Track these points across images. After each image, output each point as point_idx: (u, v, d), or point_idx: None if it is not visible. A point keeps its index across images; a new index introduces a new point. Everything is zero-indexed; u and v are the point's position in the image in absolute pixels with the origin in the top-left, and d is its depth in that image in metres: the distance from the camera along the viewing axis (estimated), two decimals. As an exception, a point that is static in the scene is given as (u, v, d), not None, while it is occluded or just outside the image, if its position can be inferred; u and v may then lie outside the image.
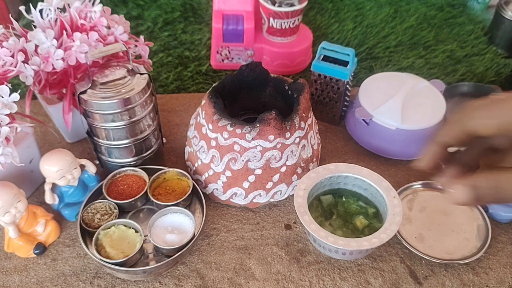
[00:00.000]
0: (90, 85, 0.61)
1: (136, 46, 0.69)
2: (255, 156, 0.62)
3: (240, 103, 0.74)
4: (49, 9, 0.62)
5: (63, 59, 0.61)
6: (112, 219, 0.61)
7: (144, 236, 0.60)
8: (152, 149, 0.69)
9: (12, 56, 0.58)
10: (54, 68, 0.61)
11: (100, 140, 0.65)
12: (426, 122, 0.72)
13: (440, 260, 0.60)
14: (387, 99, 0.74)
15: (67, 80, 0.66)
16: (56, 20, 0.63)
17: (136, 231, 0.60)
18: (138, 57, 0.72)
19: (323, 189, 0.66)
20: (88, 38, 0.62)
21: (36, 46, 0.60)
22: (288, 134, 0.62)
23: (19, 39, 0.59)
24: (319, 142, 0.72)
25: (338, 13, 1.12)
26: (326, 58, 0.78)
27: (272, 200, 0.67)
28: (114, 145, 0.65)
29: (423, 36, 1.05)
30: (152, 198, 0.64)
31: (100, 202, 0.64)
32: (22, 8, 0.63)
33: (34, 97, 0.72)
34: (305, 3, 0.88)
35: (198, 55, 0.98)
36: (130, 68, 0.64)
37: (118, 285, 0.59)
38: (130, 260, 0.57)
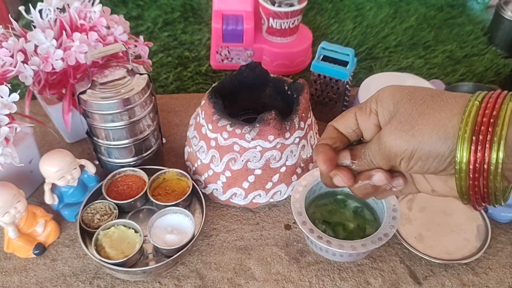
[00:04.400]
0: (89, 85, 0.61)
1: (135, 46, 0.69)
2: (255, 156, 0.62)
3: (240, 103, 0.74)
4: (49, 9, 0.62)
5: (62, 59, 0.61)
6: (111, 220, 0.61)
7: (144, 236, 0.60)
8: (152, 149, 0.69)
9: (12, 56, 0.58)
10: (53, 68, 0.61)
11: (100, 140, 0.65)
12: (426, 122, 0.72)
13: (439, 260, 0.60)
14: (386, 99, 0.74)
15: (67, 80, 0.66)
16: (55, 20, 0.63)
17: (136, 232, 0.60)
18: (138, 57, 0.72)
19: (325, 189, 0.66)
20: (87, 38, 0.62)
21: (36, 46, 0.60)
22: (287, 134, 0.62)
23: (18, 39, 0.59)
24: (318, 142, 0.72)
25: (338, 13, 1.12)
26: (325, 58, 0.78)
27: (271, 200, 0.67)
28: (114, 145, 0.65)
29: (423, 37, 1.05)
30: (151, 199, 0.64)
31: (100, 203, 0.64)
32: (21, 8, 0.63)
33: (33, 97, 0.72)
34: (304, 3, 0.88)
35: (197, 55, 0.98)
36: (130, 68, 0.64)
37: (118, 286, 0.59)
38: (129, 260, 0.57)
